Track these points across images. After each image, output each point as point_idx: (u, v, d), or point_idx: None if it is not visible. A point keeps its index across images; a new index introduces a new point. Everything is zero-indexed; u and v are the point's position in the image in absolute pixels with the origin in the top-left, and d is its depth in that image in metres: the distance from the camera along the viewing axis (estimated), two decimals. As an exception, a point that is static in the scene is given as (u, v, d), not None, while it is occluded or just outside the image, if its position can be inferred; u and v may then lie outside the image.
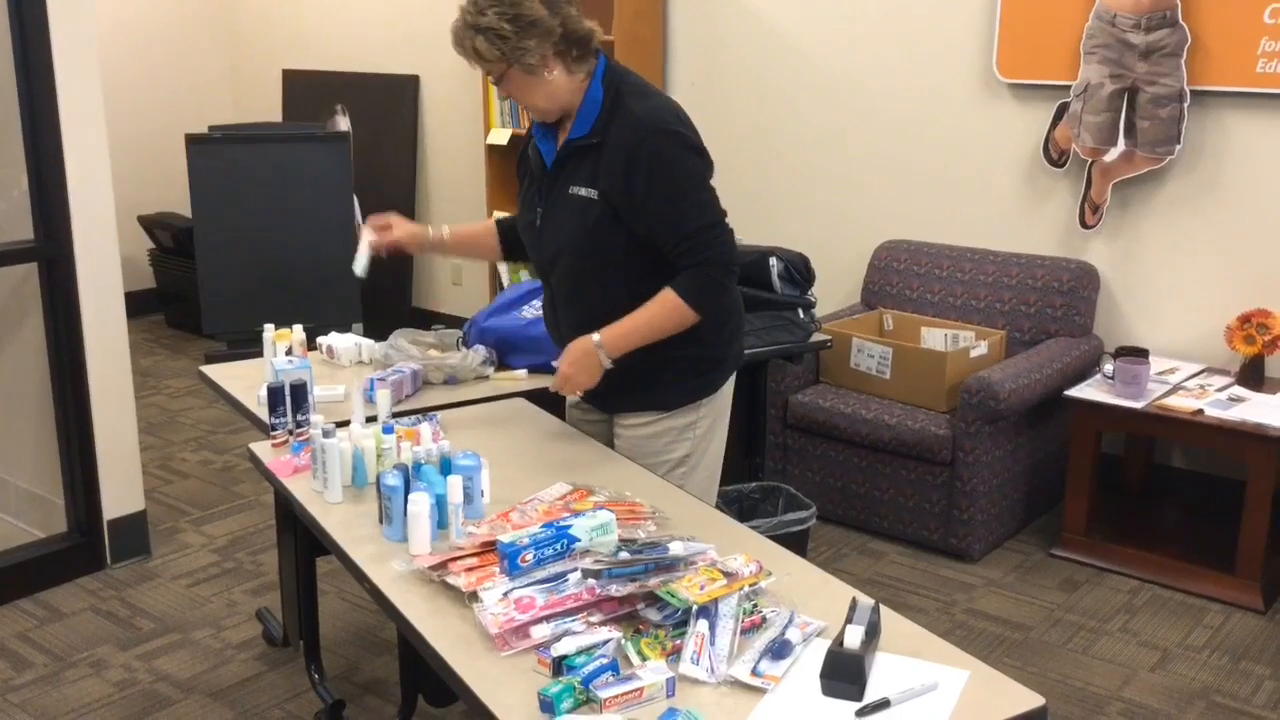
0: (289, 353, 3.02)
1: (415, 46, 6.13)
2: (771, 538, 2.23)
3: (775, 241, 3.89)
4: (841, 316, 4.39)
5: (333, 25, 6.55)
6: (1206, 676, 3.22)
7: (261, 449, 2.61)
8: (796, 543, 3.34)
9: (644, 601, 1.85)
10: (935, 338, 4.23)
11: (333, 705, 2.96)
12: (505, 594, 1.86)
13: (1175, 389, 3.77)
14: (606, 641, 1.75)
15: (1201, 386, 3.79)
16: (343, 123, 5.79)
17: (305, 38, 6.70)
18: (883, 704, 1.66)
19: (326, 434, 2.33)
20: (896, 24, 4.54)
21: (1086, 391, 3.79)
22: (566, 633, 1.79)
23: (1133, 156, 4.03)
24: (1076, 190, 4.22)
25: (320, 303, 5.39)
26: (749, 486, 3.65)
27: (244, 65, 7.12)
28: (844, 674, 1.69)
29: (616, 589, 1.83)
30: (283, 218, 5.38)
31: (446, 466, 2.28)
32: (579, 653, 1.72)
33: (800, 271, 3.61)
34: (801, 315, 3.59)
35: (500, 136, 5.43)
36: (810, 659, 1.77)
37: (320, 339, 3.24)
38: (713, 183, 2.50)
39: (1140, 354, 3.82)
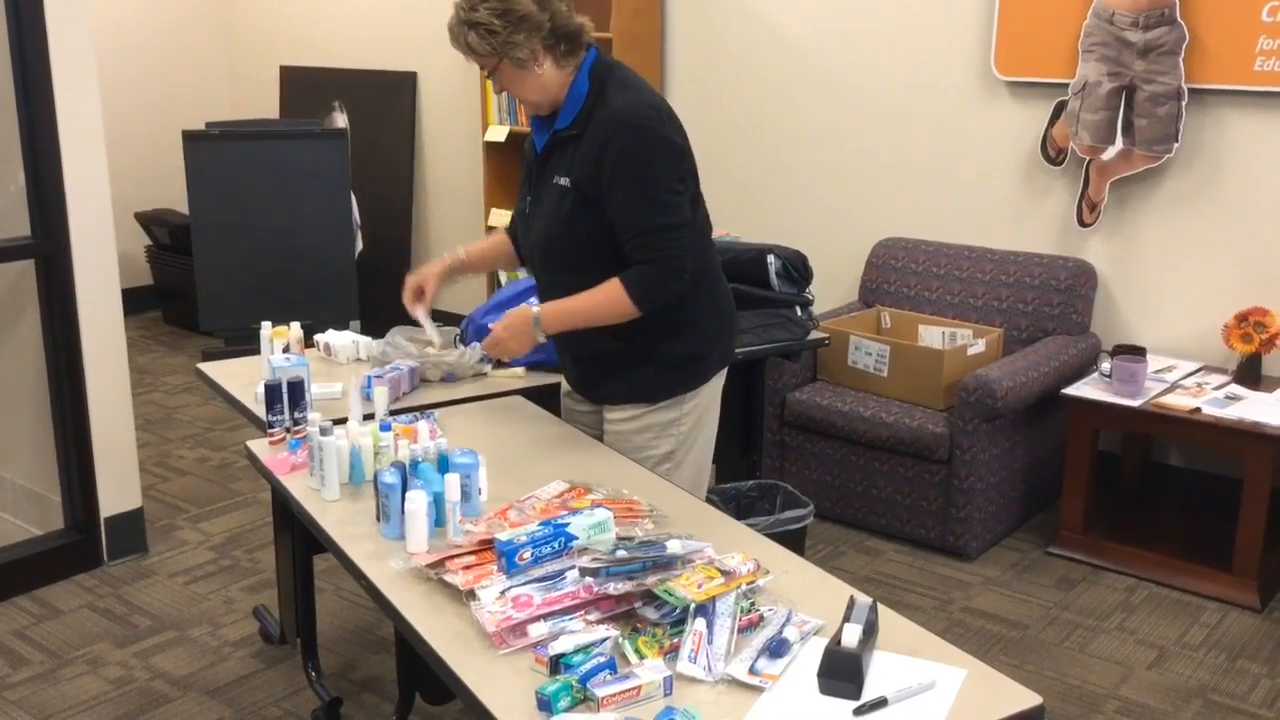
0: (286, 350, 3.02)
1: (413, 43, 6.13)
2: (769, 536, 2.23)
3: (773, 239, 3.88)
4: (839, 314, 4.39)
5: (330, 22, 6.54)
6: (1203, 675, 3.22)
7: (259, 446, 2.61)
8: (794, 541, 3.33)
9: (641, 600, 1.85)
10: (933, 336, 4.24)
11: (330, 703, 2.96)
12: (503, 592, 1.86)
13: (1172, 387, 3.77)
14: (604, 640, 1.75)
15: (1199, 385, 3.79)
16: (340, 119, 5.79)
17: (303, 34, 6.69)
18: (880, 702, 1.66)
19: (324, 431, 2.33)
20: (895, 22, 4.54)
21: (1084, 390, 3.79)
22: (564, 631, 1.79)
23: (1130, 155, 4.03)
24: (1074, 188, 4.22)
25: (317, 300, 5.39)
26: (746, 484, 3.64)
27: (242, 62, 7.11)
28: (841, 672, 1.69)
29: (614, 587, 1.83)
30: (280, 215, 5.38)
31: (444, 464, 2.28)
32: (576, 651, 1.72)
33: (798, 269, 3.61)
34: (799, 313, 3.59)
35: (498, 133, 5.43)
36: (808, 657, 1.77)
37: (318, 336, 3.24)
38: (707, 179, 2.50)
39: (1137, 352, 3.82)
